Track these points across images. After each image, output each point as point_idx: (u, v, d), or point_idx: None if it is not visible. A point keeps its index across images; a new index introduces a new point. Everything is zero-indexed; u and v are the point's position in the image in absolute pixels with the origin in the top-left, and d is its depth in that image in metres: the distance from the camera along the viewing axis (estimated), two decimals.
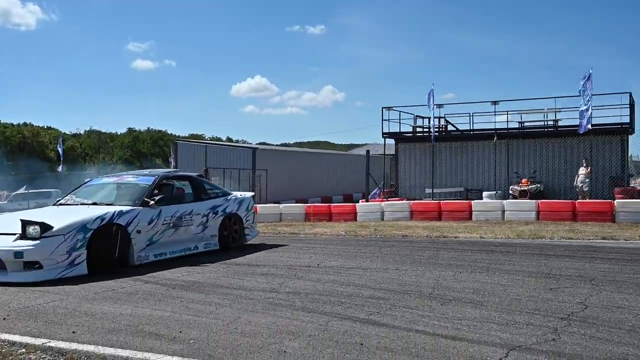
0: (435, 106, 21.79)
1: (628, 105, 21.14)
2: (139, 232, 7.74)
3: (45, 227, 6.76)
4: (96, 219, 7.22)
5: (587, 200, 16.57)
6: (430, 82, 54.93)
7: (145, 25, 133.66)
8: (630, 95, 21.26)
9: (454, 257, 8.16)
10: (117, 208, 7.74)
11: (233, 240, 9.71)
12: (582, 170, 19.12)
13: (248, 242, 10.19)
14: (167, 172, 9.54)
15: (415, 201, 18.36)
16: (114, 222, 7.43)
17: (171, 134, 67.63)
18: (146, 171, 9.81)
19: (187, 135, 68.26)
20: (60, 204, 8.67)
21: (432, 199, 19.09)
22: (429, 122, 21.55)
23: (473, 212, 16.08)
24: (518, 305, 4.99)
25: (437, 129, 23.32)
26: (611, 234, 11.20)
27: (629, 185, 22.04)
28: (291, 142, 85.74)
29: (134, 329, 4.43)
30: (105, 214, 7.41)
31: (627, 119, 21.12)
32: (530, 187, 19.96)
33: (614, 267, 7.07)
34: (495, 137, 21.50)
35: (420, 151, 23.51)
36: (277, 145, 61.80)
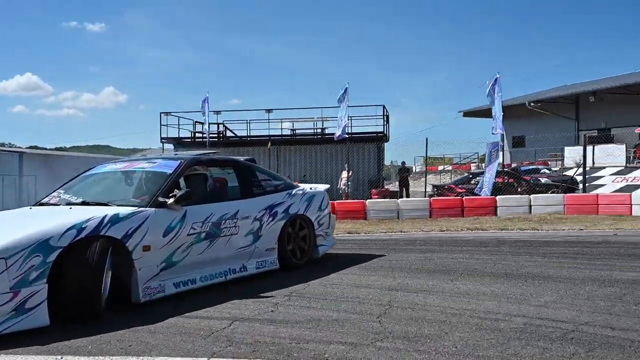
0: (212, 112, 22.61)
1: (382, 116, 24.13)
2: (146, 248, 5.01)
3: None
4: (68, 230, 4.47)
5: (346, 201, 18.61)
6: (214, 88, 55.78)
7: None
8: (384, 107, 24.26)
9: None
10: (111, 211, 4.99)
11: (300, 254, 7.06)
12: (344, 174, 21.38)
13: (321, 256, 7.66)
14: (199, 154, 6.83)
15: None
16: (100, 233, 4.65)
17: None
18: (170, 154, 6.82)
19: None
20: (40, 204, 6.02)
21: None
22: (208, 128, 22.27)
23: None
24: (256, 288, 5.86)
25: (214, 135, 24.15)
26: (357, 229, 12.95)
27: (384, 187, 25.07)
28: (68, 145, 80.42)
29: None
30: (87, 221, 4.64)
31: (381, 128, 24.11)
32: None
33: (344, 254, 8.42)
34: (269, 143, 22.95)
35: None
36: (51, 149, 57.57)
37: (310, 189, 7.53)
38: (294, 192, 7.13)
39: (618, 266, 6.70)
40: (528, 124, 34.65)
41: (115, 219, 4.86)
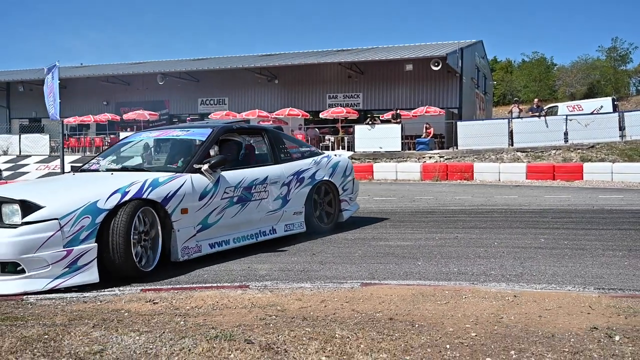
0: None
1: None
2: (184, 211, 5.19)
3: (28, 208, 4.32)
4: (112, 194, 4.66)
5: None
6: None
7: None
8: None
9: None
10: (151, 176, 5.19)
11: (325, 218, 7.20)
12: None
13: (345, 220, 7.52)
14: (230, 122, 7.07)
15: None
16: (143, 197, 4.83)
17: None
18: (201, 122, 7.27)
19: None
20: (82, 170, 6.20)
21: None
22: None
23: None
24: None
25: None
26: None
27: None
28: None
29: None
30: (129, 185, 4.84)
31: None
32: None
33: None
34: None
35: None
36: None
37: (335, 155, 7.73)
38: (319, 159, 7.29)
39: None
40: None
41: (156, 184, 5.05)
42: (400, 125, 22.96)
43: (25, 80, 32.70)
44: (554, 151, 19.79)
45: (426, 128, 23.40)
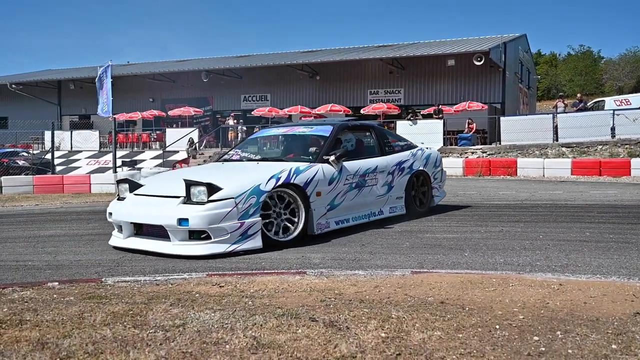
0: None
1: None
2: (318, 194, 6.37)
3: (212, 189, 5.54)
4: (270, 179, 5.89)
5: None
6: None
7: None
8: None
9: None
10: (293, 165, 6.36)
11: (421, 202, 8.34)
12: None
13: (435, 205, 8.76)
14: (346, 121, 8.19)
15: None
16: (291, 182, 6.07)
17: None
18: (319, 120, 8.57)
19: None
20: (225, 160, 7.53)
21: None
22: None
23: None
24: None
25: None
26: None
27: None
28: None
29: None
30: (280, 172, 6.06)
31: None
32: None
33: None
34: None
35: None
36: None
37: (427, 149, 8.82)
38: (415, 151, 8.34)
39: None
40: (11, 106, 36.42)
41: (298, 171, 6.24)
42: (442, 120, 22.98)
43: (76, 79, 34.04)
44: (600, 146, 19.55)
45: (468, 123, 23.35)
